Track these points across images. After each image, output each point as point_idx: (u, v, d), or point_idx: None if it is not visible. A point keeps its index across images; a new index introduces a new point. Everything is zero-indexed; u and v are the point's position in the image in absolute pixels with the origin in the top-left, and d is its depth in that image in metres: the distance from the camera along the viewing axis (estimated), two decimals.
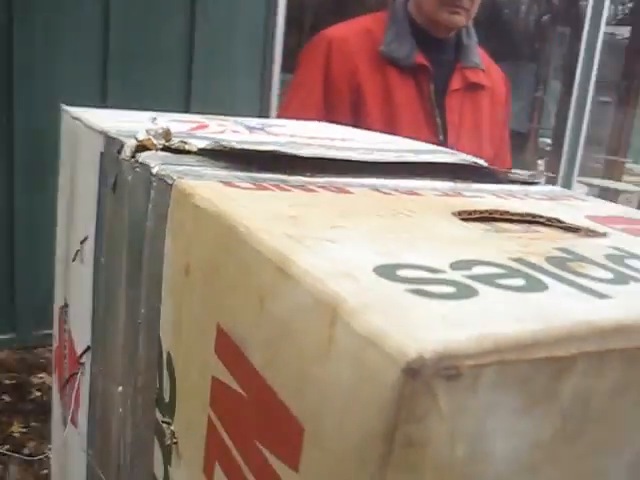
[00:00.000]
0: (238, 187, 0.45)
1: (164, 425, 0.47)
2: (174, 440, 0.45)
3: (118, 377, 0.63)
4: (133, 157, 0.59)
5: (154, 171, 0.50)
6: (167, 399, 0.47)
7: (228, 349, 0.36)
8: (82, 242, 0.76)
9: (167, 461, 0.47)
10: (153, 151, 0.58)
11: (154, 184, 0.50)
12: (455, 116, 1.37)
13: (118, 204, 0.62)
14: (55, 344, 0.91)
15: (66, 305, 0.86)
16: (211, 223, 0.38)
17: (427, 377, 0.22)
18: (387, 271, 0.30)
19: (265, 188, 0.45)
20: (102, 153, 0.68)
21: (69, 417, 0.88)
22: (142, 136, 0.58)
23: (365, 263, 0.31)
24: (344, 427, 0.25)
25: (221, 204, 0.39)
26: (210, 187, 0.43)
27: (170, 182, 0.46)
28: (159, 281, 0.48)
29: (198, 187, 0.43)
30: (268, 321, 0.31)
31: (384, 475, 0.23)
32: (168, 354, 0.46)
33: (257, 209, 0.39)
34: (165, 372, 0.47)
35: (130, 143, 0.60)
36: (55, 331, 0.90)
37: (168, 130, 0.59)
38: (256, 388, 0.32)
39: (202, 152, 0.58)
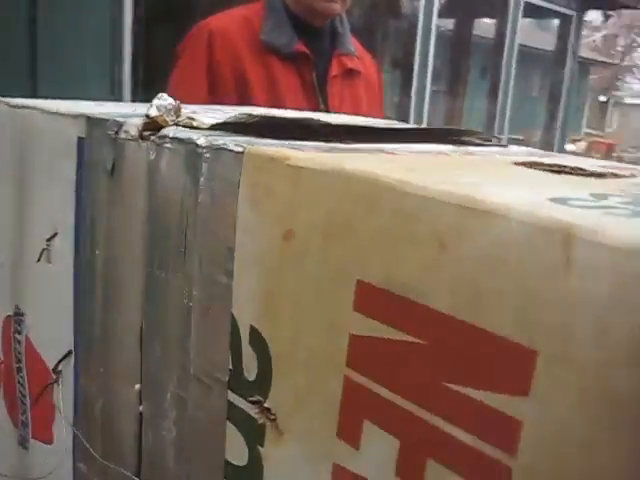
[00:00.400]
0: (315, 151, 0.44)
1: (251, 405, 0.45)
2: (271, 417, 0.44)
3: (132, 375, 0.59)
4: (141, 137, 0.55)
5: (202, 143, 0.48)
6: (252, 377, 0.45)
7: (380, 302, 0.35)
8: (49, 239, 0.70)
9: (257, 442, 0.45)
10: (166, 127, 0.55)
11: (206, 156, 0.47)
12: (336, 101, 1.42)
13: (120, 189, 0.58)
14: None
15: (19, 314, 0.78)
16: (334, 183, 0.38)
17: None
18: (561, 202, 0.32)
19: (340, 151, 0.45)
20: (82, 138, 0.63)
21: (29, 435, 0.80)
22: (154, 112, 0.55)
23: (538, 197, 0.32)
24: (596, 342, 0.27)
25: (334, 165, 0.39)
26: (292, 152, 0.42)
27: (239, 150, 0.44)
28: (225, 257, 0.46)
29: (281, 152, 0.42)
30: (455, 262, 0.32)
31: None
32: (252, 329, 0.44)
33: (371, 167, 0.39)
34: (247, 349, 0.45)
35: (134, 122, 0.56)
36: None
37: (179, 106, 0.56)
38: (446, 331, 0.32)
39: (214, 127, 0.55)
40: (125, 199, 0.58)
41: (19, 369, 0.80)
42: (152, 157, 0.53)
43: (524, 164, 0.47)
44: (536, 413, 0.29)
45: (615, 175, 0.45)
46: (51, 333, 0.72)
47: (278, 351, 0.43)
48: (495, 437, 0.31)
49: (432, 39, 4.29)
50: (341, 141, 0.52)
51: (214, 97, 1.31)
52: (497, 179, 0.39)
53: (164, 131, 0.53)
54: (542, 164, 0.46)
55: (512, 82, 5.68)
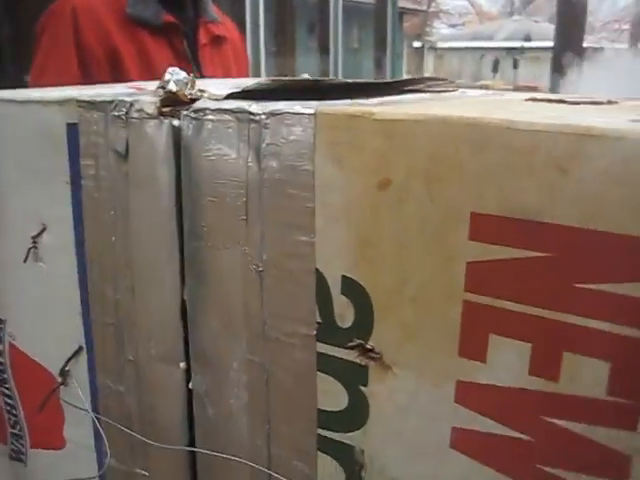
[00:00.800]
0: (370, 105, 0.47)
1: (348, 350, 0.48)
2: (375, 356, 0.47)
3: (174, 355, 0.60)
4: (161, 114, 0.55)
5: (255, 110, 0.49)
6: (348, 324, 0.48)
7: (498, 228, 0.40)
8: (36, 237, 0.67)
9: (358, 383, 0.49)
10: (187, 101, 0.55)
11: (265, 122, 0.48)
12: (210, 69, 1.43)
13: (138, 169, 0.57)
14: None
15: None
16: (432, 130, 0.41)
17: None
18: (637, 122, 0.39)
19: (389, 103, 0.49)
20: (72, 124, 0.61)
21: (27, 446, 0.77)
22: (174, 87, 0.55)
23: (623, 121, 0.39)
24: None
25: (426, 114, 0.42)
26: (371, 109, 0.45)
27: (310, 112, 0.46)
28: (304, 216, 0.48)
29: (362, 110, 0.45)
30: (577, 182, 0.37)
31: None
32: (345, 279, 0.47)
33: (459, 111, 0.43)
34: (339, 299, 0.48)
35: (147, 100, 0.56)
36: None
37: (193, 79, 0.57)
38: (572, 240, 0.38)
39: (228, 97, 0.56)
40: (146, 179, 0.57)
41: (3, 380, 0.75)
42: (189, 132, 0.53)
43: (542, 100, 0.53)
44: None
45: (609, 102, 0.53)
46: (50, 334, 0.69)
47: (379, 294, 0.46)
48: (630, 319, 0.37)
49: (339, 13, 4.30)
50: (365, 97, 0.55)
51: (86, 76, 1.27)
52: (563, 112, 0.45)
53: (198, 104, 0.53)
54: (552, 99, 0.53)
55: (340, 37, 5.86)
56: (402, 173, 0.43)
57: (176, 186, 0.56)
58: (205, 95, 0.56)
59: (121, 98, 0.57)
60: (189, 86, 0.55)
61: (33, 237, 0.67)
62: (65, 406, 0.71)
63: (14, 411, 0.76)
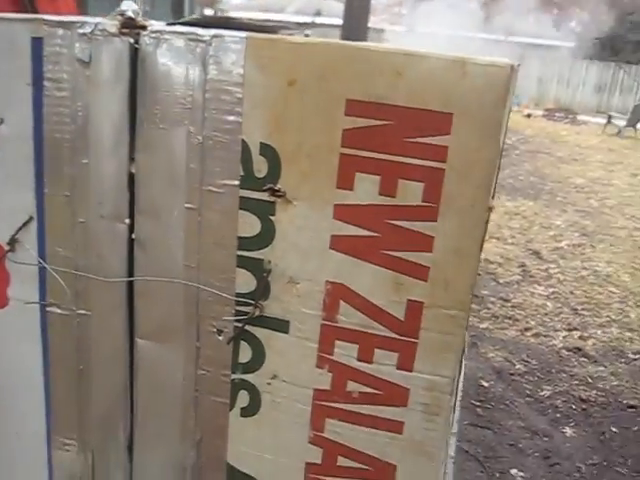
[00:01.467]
0: (275, 35, 0.74)
1: (262, 192, 0.75)
2: (280, 194, 0.74)
3: (120, 214, 0.82)
4: (121, 33, 0.77)
5: (203, 33, 0.73)
6: (263, 174, 0.74)
7: (363, 107, 0.69)
8: None
9: (268, 214, 0.75)
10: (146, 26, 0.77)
11: (210, 42, 0.73)
12: (45, 3, 1.64)
13: (99, 77, 0.77)
14: None
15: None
16: (327, 51, 0.70)
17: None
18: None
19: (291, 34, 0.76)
20: (37, 38, 0.79)
21: None
22: (132, 14, 0.77)
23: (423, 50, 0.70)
24: (479, 109, 0.66)
25: (319, 40, 0.70)
26: (283, 37, 0.72)
27: (243, 36, 0.72)
28: (235, 103, 0.73)
29: (277, 37, 0.72)
30: (406, 81, 0.68)
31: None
32: (262, 144, 0.73)
33: (330, 40, 0.71)
34: (258, 158, 0.74)
35: (110, 22, 0.77)
36: None
37: (140, 11, 0.79)
38: (401, 114, 0.68)
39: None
40: (106, 81, 0.78)
41: None
42: (149, 47, 0.75)
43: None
44: (455, 145, 0.68)
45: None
46: (2, 209, 0.86)
47: (285, 153, 0.73)
48: (434, 156, 0.69)
49: None
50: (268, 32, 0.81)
51: None
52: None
53: (156, 27, 0.75)
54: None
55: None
56: (303, 75, 0.70)
57: (129, 87, 0.77)
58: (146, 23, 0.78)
59: (85, 20, 0.77)
60: (141, 16, 0.77)
61: None
62: (11, 269, 0.88)
63: None
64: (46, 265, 0.84)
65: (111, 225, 0.82)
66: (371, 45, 0.68)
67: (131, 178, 0.80)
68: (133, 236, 0.82)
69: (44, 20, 0.78)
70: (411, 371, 0.75)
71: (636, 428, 2.33)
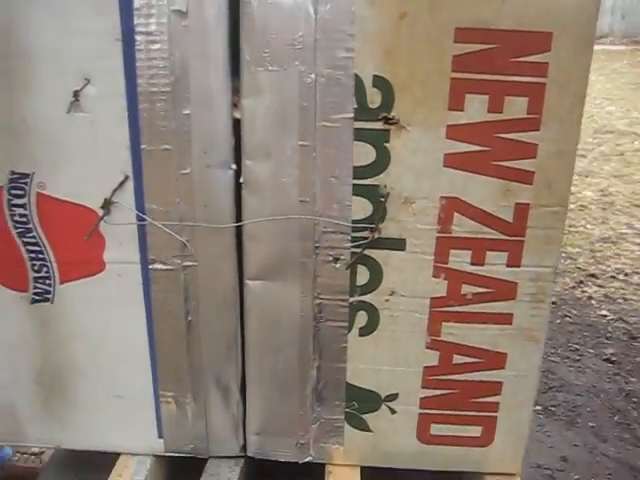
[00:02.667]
0: None
1: (376, 122, 0.80)
2: (394, 121, 0.80)
3: (225, 160, 0.84)
4: None
5: None
6: (377, 104, 0.79)
7: (468, 34, 0.77)
8: (79, 91, 0.82)
9: (383, 141, 0.81)
10: None
11: None
12: None
13: (199, 22, 0.78)
14: None
15: (21, 176, 0.85)
16: None
17: None
18: None
19: None
20: None
21: (56, 283, 0.89)
22: None
23: None
24: (574, 27, 0.76)
25: None
26: None
27: None
28: (346, 39, 0.78)
29: None
30: (510, 6, 0.76)
31: None
32: (375, 76, 0.78)
33: None
34: (371, 90, 0.78)
35: None
36: None
37: None
38: (507, 36, 0.76)
39: None
40: (205, 28, 0.79)
41: (25, 231, 0.88)
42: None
43: None
44: (554, 60, 0.77)
45: None
46: (91, 174, 0.85)
47: (398, 82, 0.79)
48: (538, 72, 0.78)
49: None
50: None
51: None
52: None
53: None
54: None
55: None
56: (413, 8, 0.76)
57: (230, 32, 0.79)
58: None
59: None
60: None
61: (76, 91, 0.81)
62: (107, 232, 0.87)
63: (40, 255, 0.89)
64: (151, 220, 0.84)
65: (217, 173, 0.84)
66: None
67: (236, 124, 0.82)
68: (241, 180, 0.84)
69: None
70: (519, 266, 0.85)
71: None
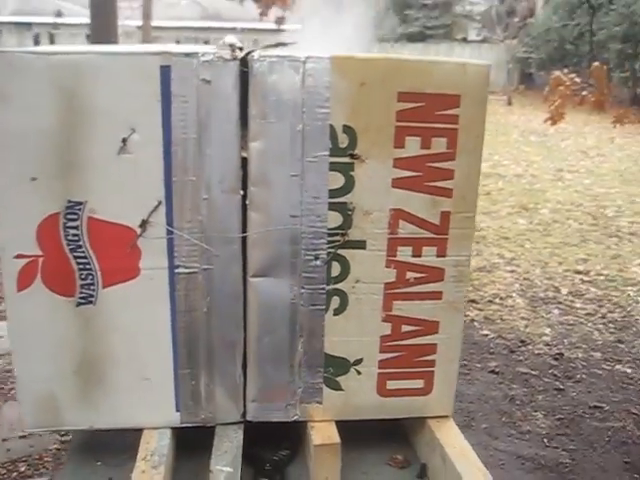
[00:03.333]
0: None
1: (345, 157, 1.14)
2: (358, 157, 1.15)
3: (236, 188, 1.15)
4: (233, 58, 1.11)
5: (303, 57, 1.10)
6: (344, 145, 1.14)
7: (407, 96, 1.13)
8: (126, 138, 1.10)
9: (349, 170, 1.15)
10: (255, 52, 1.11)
11: (308, 65, 1.10)
12: None
13: (218, 90, 1.09)
14: None
15: (75, 204, 1.11)
16: (383, 64, 1.12)
17: None
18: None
19: None
20: (165, 66, 1.09)
21: (99, 287, 1.14)
22: (239, 44, 1.11)
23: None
24: (474, 90, 1.15)
25: (374, 56, 1.12)
26: (351, 54, 1.12)
27: (328, 56, 1.11)
28: (324, 100, 1.12)
29: (346, 55, 1.12)
30: (434, 78, 1.14)
31: None
32: (345, 126, 1.13)
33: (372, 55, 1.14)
34: (342, 136, 1.13)
35: (222, 52, 1.10)
36: None
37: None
38: (431, 99, 1.14)
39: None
40: (223, 93, 1.10)
41: (76, 247, 1.14)
42: (260, 67, 1.10)
43: None
44: (462, 113, 1.15)
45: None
46: (132, 199, 1.12)
47: (360, 129, 1.12)
48: None
49: None
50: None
51: None
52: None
53: (262, 53, 1.10)
54: None
55: None
56: (370, 79, 1.11)
57: (241, 95, 1.11)
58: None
59: (206, 50, 1.08)
60: (241, 45, 1.12)
61: (124, 138, 1.10)
62: (143, 245, 1.14)
63: (87, 266, 1.14)
64: (180, 233, 1.13)
65: (229, 197, 1.14)
66: (409, 58, 1.13)
67: (243, 160, 1.14)
68: (247, 202, 1.15)
69: (171, 52, 1.07)
70: (445, 256, 1.21)
71: None
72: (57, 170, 1.07)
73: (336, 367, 1.22)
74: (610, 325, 4.08)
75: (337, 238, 1.16)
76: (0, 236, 1.10)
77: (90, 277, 1.12)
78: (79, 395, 1.18)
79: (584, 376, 3.49)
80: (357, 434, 1.22)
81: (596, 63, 3.88)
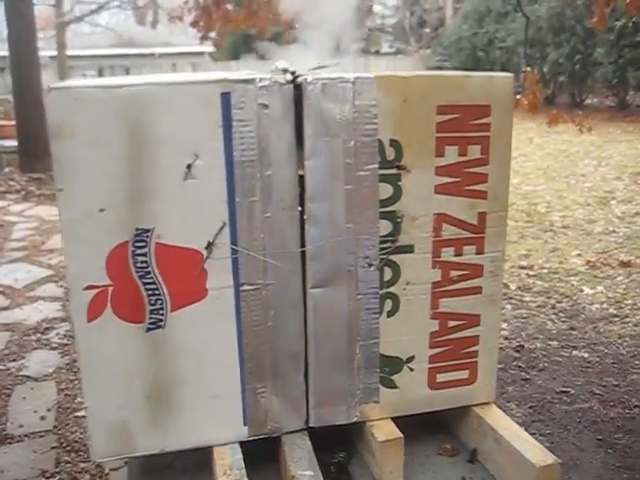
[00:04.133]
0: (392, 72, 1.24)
1: (392, 168, 1.23)
2: (404, 168, 1.24)
3: (295, 205, 1.22)
4: (287, 83, 1.19)
5: (349, 77, 1.19)
6: (392, 157, 1.23)
7: (444, 109, 1.24)
8: (190, 164, 1.16)
9: (397, 180, 1.25)
10: (306, 76, 1.19)
11: (352, 84, 1.19)
12: None
13: (275, 114, 1.17)
14: None
15: (143, 232, 1.16)
16: (422, 81, 1.22)
17: None
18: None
19: None
20: (226, 93, 1.16)
21: (167, 312, 1.19)
22: (292, 69, 1.19)
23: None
24: (501, 100, 1.27)
25: (414, 74, 1.22)
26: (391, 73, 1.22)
27: (371, 76, 1.20)
28: (371, 118, 1.21)
29: (392, 74, 1.21)
30: (466, 92, 1.25)
31: None
32: (391, 140, 1.22)
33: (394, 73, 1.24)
34: (389, 150, 1.22)
35: (277, 77, 1.18)
36: None
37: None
38: (466, 111, 1.25)
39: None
40: (280, 117, 1.17)
41: (144, 274, 1.18)
42: (312, 90, 1.17)
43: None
44: (493, 121, 1.27)
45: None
46: (197, 224, 1.17)
47: (405, 142, 1.22)
48: None
49: None
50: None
51: None
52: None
53: (315, 77, 1.17)
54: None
55: None
56: (411, 95, 1.21)
57: (295, 116, 1.18)
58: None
59: (262, 76, 1.15)
60: (293, 69, 1.19)
61: (188, 165, 1.15)
62: (209, 266, 1.19)
63: (156, 292, 1.17)
64: (245, 251, 1.18)
65: (289, 213, 1.21)
66: (445, 74, 1.24)
67: (300, 178, 1.21)
68: (305, 217, 1.22)
69: (231, 80, 1.14)
70: (483, 253, 1.32)
71: None
72: (125, 199, 1.10)
73: (391, 366, 1.30)
74: (561, 314, 4.32)
75: (388, 245, 1.24)
76: (69, 269, 1.12)
77: (159, 302, 1.16)
78: (150, 419, 1.21)
79: (546, 364, 3.69)
80: (404, 431, 1.30)
81: (527, 68, 4.14)
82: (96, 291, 1.12)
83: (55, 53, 10.93)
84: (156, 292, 1.15)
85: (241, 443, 1.26)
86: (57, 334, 3.98)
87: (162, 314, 1.16)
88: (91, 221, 1.09)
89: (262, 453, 1.28)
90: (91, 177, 1.08)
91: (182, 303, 1.17)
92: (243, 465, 1.18)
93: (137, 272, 1.13)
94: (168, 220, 1.13)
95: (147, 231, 1.12)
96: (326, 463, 1.30)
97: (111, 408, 1.18)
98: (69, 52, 10.92)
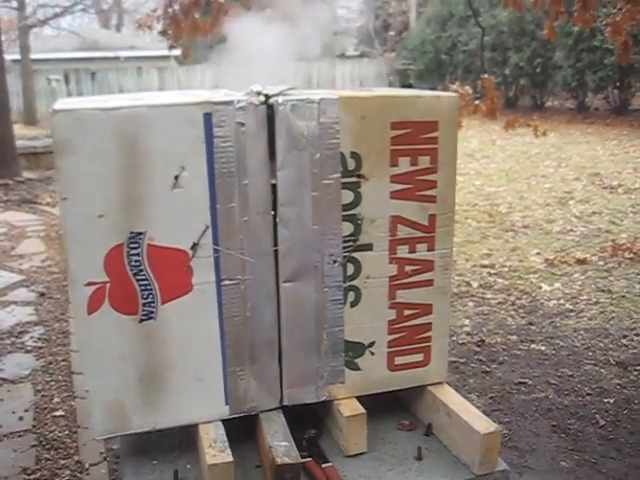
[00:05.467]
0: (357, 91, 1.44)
1: (353, 177, 1.44)
2: (365, 176, 1.45)
3: (269, 210, 1.43)
4: (262, 104, 1.38)
5: (314, 98, 1.39)
6: (352, 167, 1.43)
7: (398, 125, 1.44)
8: (177, 175, 1.36)
9: (356, 188, 1.45)
10: (279, 97, 1.39)
11: (317, 104, 1.39)
12: None
13: (251, 131, 1.37)
14: None
15: (137, 234, 1.34)
16: (378, 101, 1.42)
17: None
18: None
19: None
20: (208, 113, 1.35)
21: (158, 304, 1.38)
22: (265, 91, 1.38)
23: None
24: (447, 116, 1.48)
25: (371, 94, 1.43)
26: (355, 93, 1.42)
27: (336, 97, 1.40)
28: (336, 135, 1.41)
29: (352, 94, 1.42)
30: (417, 109, 1.46)
31: None
32: (352, 152, 1.43)
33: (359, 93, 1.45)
34: (350, 161, 1.42)
35: (252, 99, 1.38)
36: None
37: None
38: (417, 126, 1.46)
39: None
40: (254, 132, 1.37)
41: (138, 272, 1.36)
42: (282, 110, 1.37)
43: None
44: (440, 135, 1.48)
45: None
46: (184, 226, 1.36)
47: (363, 154, 1.42)
48: None
49: None
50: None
51: None
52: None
53: (285, 98, 1.37)
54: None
55: None
56: (369, 112, 1.41)
57: (268, 132, 1.38)
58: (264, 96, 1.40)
59: (239, 98, 1.35)
60: (266, 92, 1.39)
61: (176, 176, 1.34)
62: (194, 264, 1.38)
63: (148, 287, 1.36)
64: (225, 250, 1.38)
65: (263, 217, 1.40)
66: (398, 94, 1.45)
67: (272, 186, 1.40)
68: (277, 220, 1.42)
69: (212, 102, 1.33)
70: (434, 250, 1.53)
71: None
72: (120, 206, 1.28)
73: (354, 351, 1.50)
74: (520, 310, 4.58)
75: (350, 244, 1.44)
76: (71, 267, 1.30)
77: (151, 296, 1.34)
78: (143, 401, 1.39)
79: (506, 357, 3.95)
80: (367, 409, 1.50)
81: (485, 75, 4.39)
82: (95, 287, 1.29)
83: (18, 57, 10.92)
84: (148, 287, 1.33)
85: (223, 421, 1.44)
86: (31, 337, 4.10)
87: (153, 307, 1.34)
88: (91, 225, 1.27)
89: (242, 430, 1.46)
90: (91, 187, 1.26)
91: (171, 297, 1.35)
92: (226, 439, 1.37)
93: (131, 270, 1.31)
94: (158, 224, 1.31)
95: (140, 234, 1.30)
96: (298, 439, 1.49)
97: (109, 391, 1.35)
98: (33, 56, 10.92)
